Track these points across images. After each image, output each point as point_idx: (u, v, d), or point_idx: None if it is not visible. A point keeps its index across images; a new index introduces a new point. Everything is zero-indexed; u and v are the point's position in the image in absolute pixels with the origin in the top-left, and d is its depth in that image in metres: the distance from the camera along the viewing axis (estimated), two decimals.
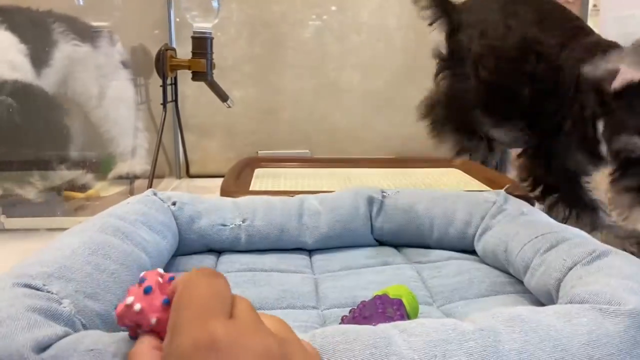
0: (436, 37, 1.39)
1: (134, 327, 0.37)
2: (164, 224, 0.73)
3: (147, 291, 0.37)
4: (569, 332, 0.42)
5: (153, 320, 0.36)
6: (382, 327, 0.42)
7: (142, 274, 0.39)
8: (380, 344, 0.39)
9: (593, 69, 0.69)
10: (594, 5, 1.38)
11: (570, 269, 0.57)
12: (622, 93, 0.69)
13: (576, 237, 0.63)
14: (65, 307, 0.45)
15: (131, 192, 1.21)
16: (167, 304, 0.36)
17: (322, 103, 1.56)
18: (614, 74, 0.68)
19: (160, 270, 0.40)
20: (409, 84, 1.53)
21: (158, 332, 0.36)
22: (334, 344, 0.39)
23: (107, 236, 0.60)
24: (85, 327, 0.46)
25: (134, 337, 0.38)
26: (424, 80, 1.60)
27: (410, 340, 0.40)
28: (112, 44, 1.28)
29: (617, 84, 0.68)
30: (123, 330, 0.39)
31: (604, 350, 0.41)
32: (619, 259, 0.55)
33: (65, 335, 0.40)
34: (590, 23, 1.44)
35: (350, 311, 0.56)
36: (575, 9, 1.47)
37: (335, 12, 1.53)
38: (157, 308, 0.36)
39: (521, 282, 0.67)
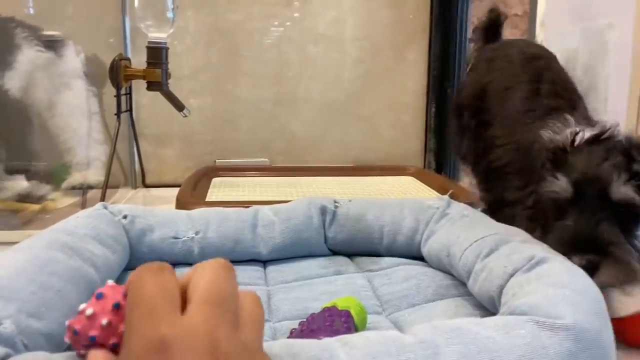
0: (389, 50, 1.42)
1: (84, 339, 0.36)
2: (114, 238, 0.73)
3: (99, 297, 0.36)
4: (507, 344, 0.43)
5: (104, 321, 0.35)
6: (326, 340, 0.43)
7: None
8: (322, 357, 0.40)
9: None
10: (543, 20, 1.43)
11: (512, 275, 0.59)
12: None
13: (516, 240, 0.65)
14: (5, 328, 0.44)
15: (83, 204, 1.19)
16: (117, 307, 0.35)
17: (280, 112, 1.57)
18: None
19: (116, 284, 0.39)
20: (365, 94, 1.56)
21: (108, 342, 0.35)
22: (278, 358, 0.39)
23: (54, 252, 0.60)
24: (27, 348, 0.45)
25: (81, 356, 0.38)
26: (378, 91, 1.64)
27: (352, 352, 0.41)
28: (74, 52, 1.26)
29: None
30: (69, 350, 0.39)
31: None
32: (557, 265, 0.57)
33: (6, 356, 0.40)
34: (539, 37, 1.49)
35: (299, 324, 0.56)
36: (523, 23, 1.52)
37: (293, 23, 1.54)
38: (108, 311, 0.35)
39: (465, 284, 0.69)
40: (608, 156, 0.63)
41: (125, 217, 0.78)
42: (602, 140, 0.66)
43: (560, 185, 0.63)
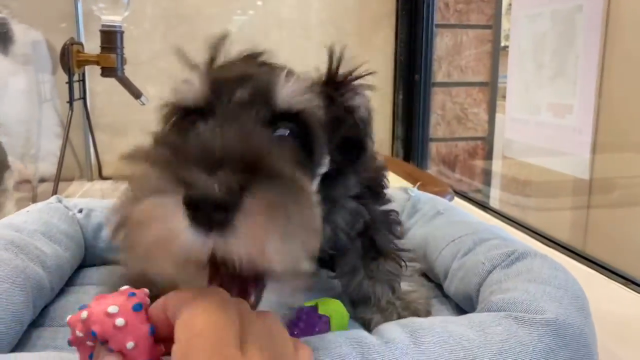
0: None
1: (92, 341, 0.32)
2: (67, 235, 0.67)
3: (137, 309, 0.32)
4: (481, 342, 0.41)
5: (130, 344, 0.31)
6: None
7: (126, 287, 0.34)
8: None
9: None
10: (509, 4, 1.42)
11: (490, 272, 0.57)
12: None
13: (495, 237, 0.62)
14: None
15: (34, 198, 1.12)
16: (153, 334, 0.31)
17: None
18: None
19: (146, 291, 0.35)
20: None
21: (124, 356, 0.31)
22: None
23: None
24: None
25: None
26: None
27: (318, 353, 0.38)
28: (22, 36, 1.18)
29: None
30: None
31: (517, 359, 0.41)
32: (538, 261, 0.55)
33: None
34: (505, 21, 1.49)
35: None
36: (489, 8, 1.51)
37: (256, 7, 1.48)
38: (142, 333, 0.31)
39: (441, 286, 0.66)
40: (274, 66, 0.43)
41: (80, 211, 0.73)
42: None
43: (192, 86, 0.40)
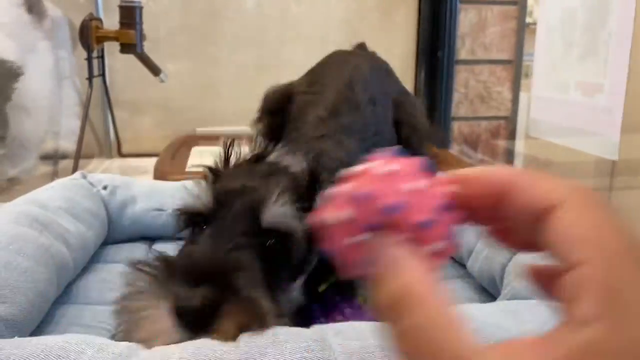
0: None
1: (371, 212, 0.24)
2: (91, 212, 0.67)
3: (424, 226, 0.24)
4: (518, 332, 0.40)
5: (424, 218, 0.24)
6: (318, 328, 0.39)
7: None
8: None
9: None
10: None
11: (515, 253, 0.56)
12: None
13: None
14: None
15: (55, 174, 1.12)
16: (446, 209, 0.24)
17: (264, 77, 1.49)
18: None
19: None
20: None
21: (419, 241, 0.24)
22: (262, 347, 0.35)
23: (22, 228, 0.54)
24: None
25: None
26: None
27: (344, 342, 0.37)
28: (39, 13, 1.17)
29: None
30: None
31: None
32: None
33: None
34: None
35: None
36: None
37: None
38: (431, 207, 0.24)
39: (464, 265, 0.65)
40: (272, 174, 0.49)
41: (105, 187, 0.72)
42: (272, 163, 0.53)
43: (200, 198, 0.47)
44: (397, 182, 0.24)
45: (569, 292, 0.22)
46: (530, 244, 0.26)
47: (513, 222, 0.26)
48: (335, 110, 0.78)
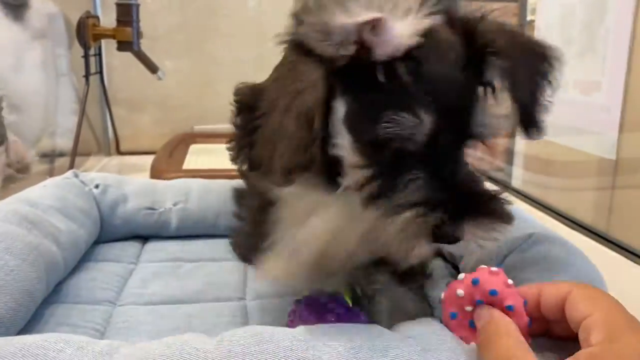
0: None
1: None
2: (83, 211, 0.67)
3: (509, 309, 0.37)
4: None
5: (511, 302, 0.38)
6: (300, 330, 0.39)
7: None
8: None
9: None
10: None
11: (506, 256, 0.56)
12: None
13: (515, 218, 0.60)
14: None
15: (51, 172, 1.12)
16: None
17: (263, 75, 1.49)
18: None
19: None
20: None
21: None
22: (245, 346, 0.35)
23: (11, 226, 0.53)
24: None
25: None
26: None
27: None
28: (37, 9, 1.16)
29: None
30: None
31: None
32: (556, 247, 0.54)
33: None
34: None
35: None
36: None
37: None
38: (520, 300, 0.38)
39: (457, 267, 0.65)
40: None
41: (97, 186, 0.72)
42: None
43: (409, 120, 0.37)
44: (498, 278, 0.39)
45: (584, 332, 0.34)
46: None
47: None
48: None
